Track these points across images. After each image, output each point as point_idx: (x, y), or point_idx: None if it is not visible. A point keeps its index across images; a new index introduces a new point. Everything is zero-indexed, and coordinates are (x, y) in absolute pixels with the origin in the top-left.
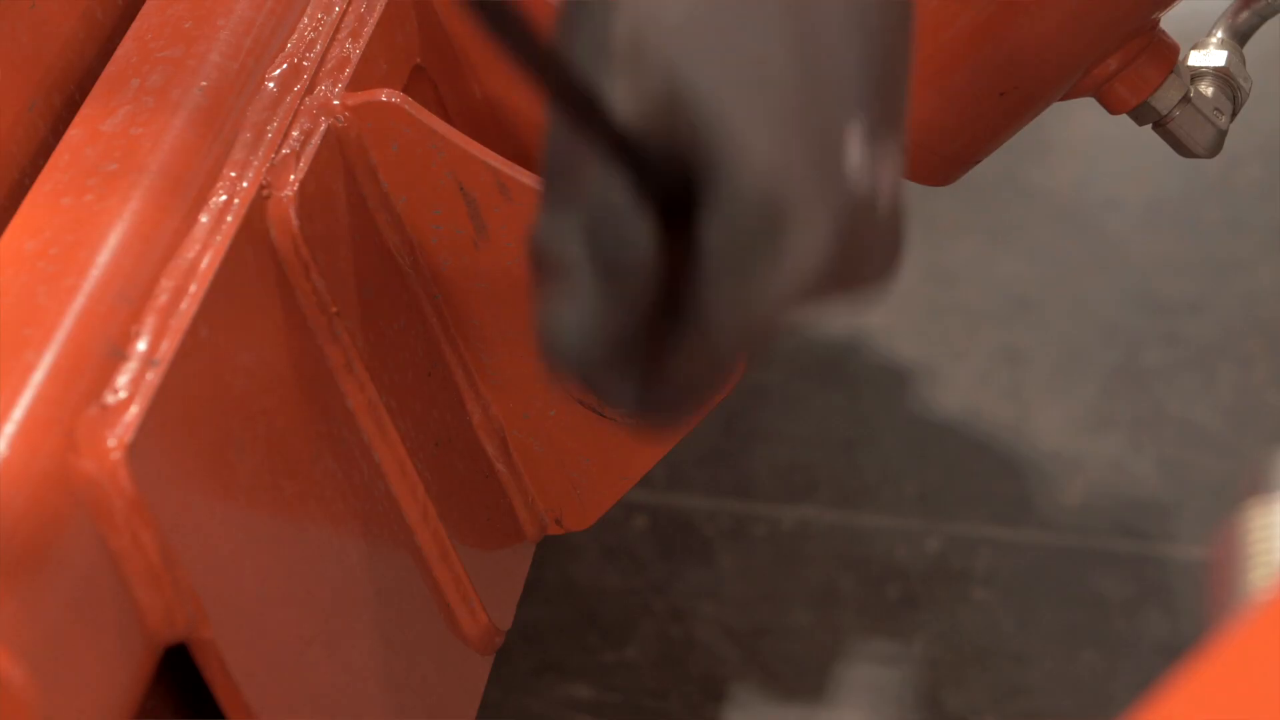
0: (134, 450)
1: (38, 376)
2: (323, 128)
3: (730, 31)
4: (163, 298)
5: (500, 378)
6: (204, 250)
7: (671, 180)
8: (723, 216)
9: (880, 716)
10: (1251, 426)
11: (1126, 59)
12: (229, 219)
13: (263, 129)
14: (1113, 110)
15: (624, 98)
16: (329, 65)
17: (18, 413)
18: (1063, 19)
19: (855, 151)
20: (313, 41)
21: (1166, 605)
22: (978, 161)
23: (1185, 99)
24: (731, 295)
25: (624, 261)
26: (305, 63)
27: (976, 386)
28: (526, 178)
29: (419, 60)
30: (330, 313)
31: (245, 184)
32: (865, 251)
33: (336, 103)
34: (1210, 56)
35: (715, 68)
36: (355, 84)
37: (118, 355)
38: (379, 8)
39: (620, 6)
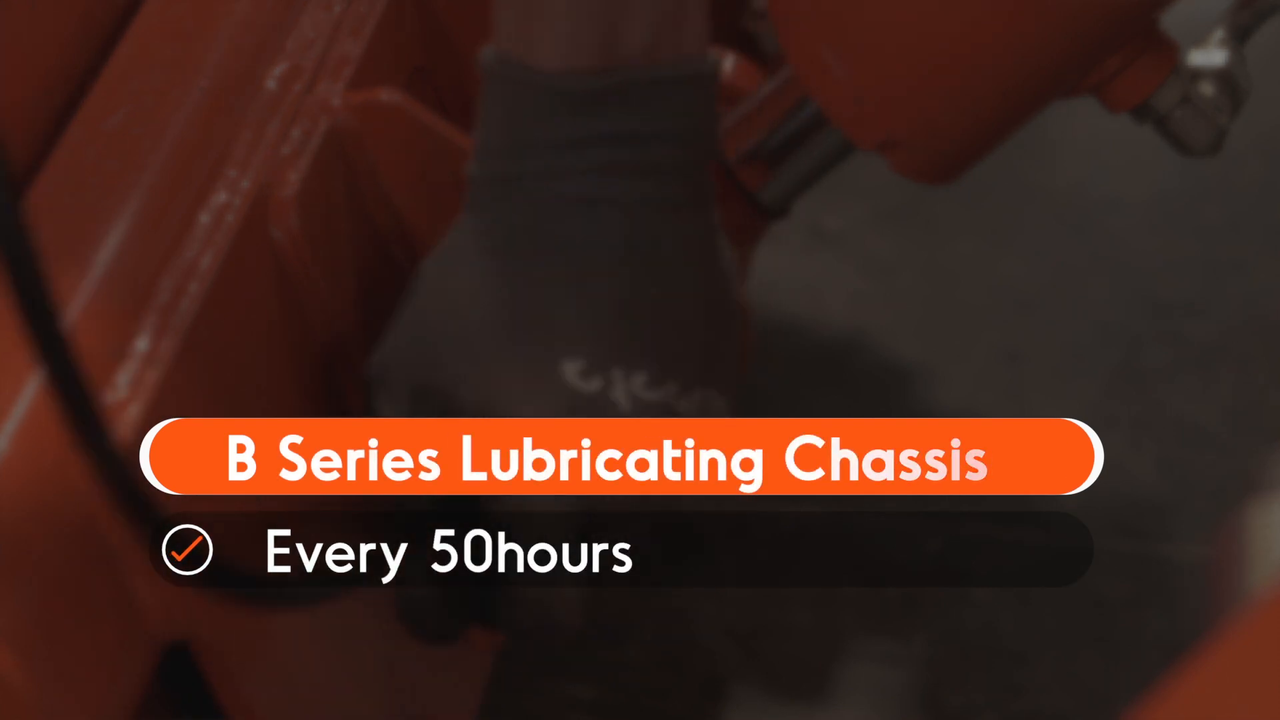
0: (135, 449)
1: (40, 374)
2: (323, 127)
3: None
4: (163, 297)
5: None
6: (204, 249)
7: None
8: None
9: (880, 716)
10: (1252, 426)
11: (1127, 58)
12: (229, 218)
13: (263, 129)
14: (1113, 109)
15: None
16: (329, 65)
17: (19, 410)
18: (1063, 19)
19: None
20: (313, 41)
21: (1166, 605)
22: (978, 160)
23: (1185, 98)
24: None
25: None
26: (305, 62)
27: (976, 386)
28: None
29: (419, 60)
30: (330, 312)
31: (246, 183)
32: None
33: (337, 102)
34: (1210, 56)
35: None
36: (355, 84)
37: (118, 354)
38: (379, 7)
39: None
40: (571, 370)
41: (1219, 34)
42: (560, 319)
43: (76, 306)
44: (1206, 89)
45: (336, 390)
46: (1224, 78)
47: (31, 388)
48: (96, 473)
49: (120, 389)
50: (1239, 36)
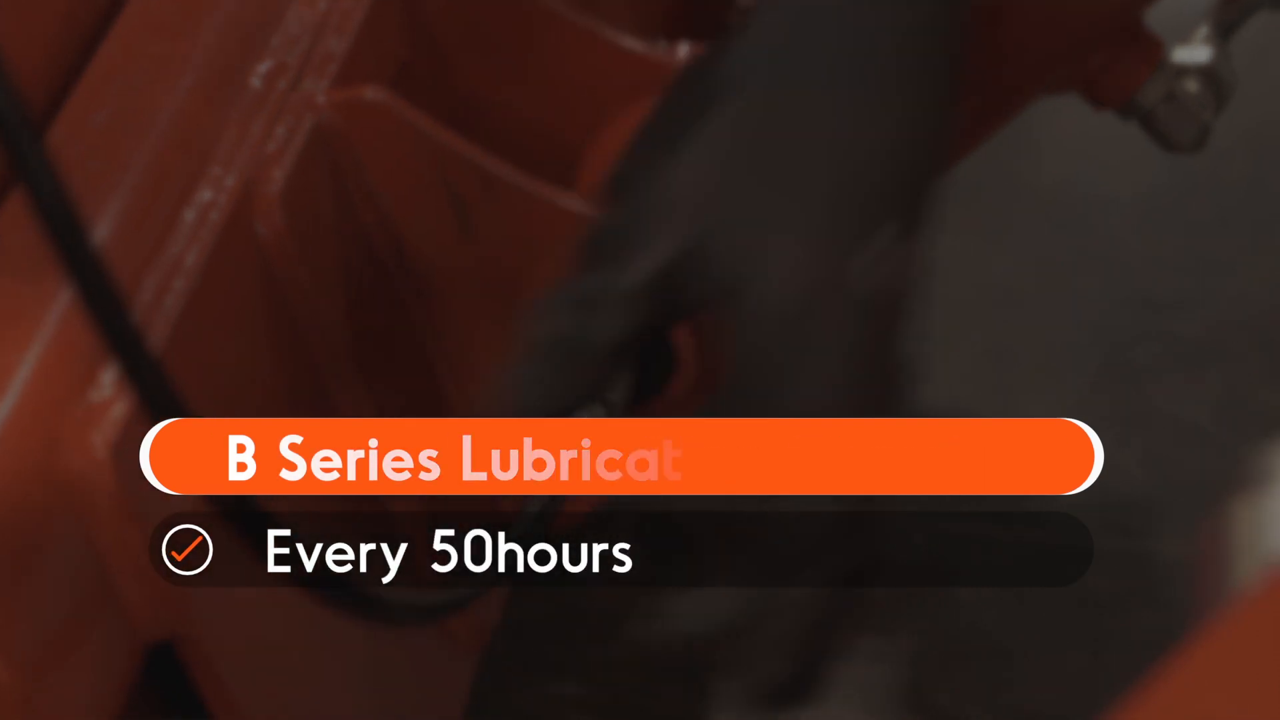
0: (120, 448)
1: (23, 374)
2: (308, 125)
3: (773, 158)
4: (148, 294)
5: (484, 375)
6: (189, 247)
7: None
8: (752, 325)
9: (871, 713)
10: (1240, 423)
11: (1111, 55)
12: (214, 216)
13: (248, 126)
14: (1098, 106)
15: (668, 230)
16: (314, 62)
17: (2, 410)
18: (1045, 17)
19: (880, 263)
20: (298, 38)
21: (1154, 601)
22: (963, 157)
23: (1170, 95)
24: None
25: (589, 344)
26: (290, 60)
27: (964, 382)
28: (513, 175)
29: (405, 57)
30: (316, 309)
31: (230, 181)
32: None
33: (322, 100)
34: (1195, 52)
35: (749, 202)
36: (341, 81)
37: (104, 352)
38: (364, 5)
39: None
40: (876, 270)
41: (1204, 30)
42: (881, 191)
43: (60, 304)
44: (1191, 85)
45: (322, 387)
46: (1208, 74)
47: (17, 384)
48: (127, 381)
49: (105, 387)
50: (1224, 33)
